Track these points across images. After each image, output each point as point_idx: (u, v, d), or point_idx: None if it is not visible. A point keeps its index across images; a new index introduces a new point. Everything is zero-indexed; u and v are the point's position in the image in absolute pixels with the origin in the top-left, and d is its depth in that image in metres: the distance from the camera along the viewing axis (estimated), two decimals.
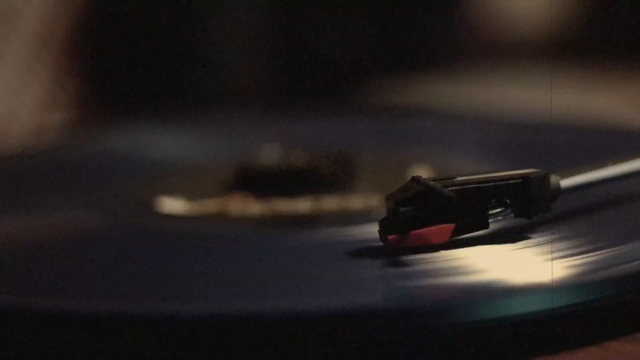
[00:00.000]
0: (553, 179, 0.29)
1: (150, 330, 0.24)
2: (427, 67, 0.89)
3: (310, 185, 0.37)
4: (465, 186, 0.28)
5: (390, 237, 0.27)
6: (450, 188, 0.28)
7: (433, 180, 0.28)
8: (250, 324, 0.24)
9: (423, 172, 0.38)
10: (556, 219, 0.30)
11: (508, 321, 0.25)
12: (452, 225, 0.27)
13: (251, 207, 0.36)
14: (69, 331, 0.25)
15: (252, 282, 0.27)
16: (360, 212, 0.34)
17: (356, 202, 0.36)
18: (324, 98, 0.86)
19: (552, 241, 0.28)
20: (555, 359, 0.25)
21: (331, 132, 0.49)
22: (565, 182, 0.29)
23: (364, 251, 0.28)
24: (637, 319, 0.27)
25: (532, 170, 0.29)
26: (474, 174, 0.28)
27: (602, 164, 0.30)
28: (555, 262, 0.27)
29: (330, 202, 0.36)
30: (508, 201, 0.28)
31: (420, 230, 0.27)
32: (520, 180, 0.28)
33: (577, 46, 0.88)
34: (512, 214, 0.28)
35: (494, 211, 0.28)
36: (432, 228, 0.27)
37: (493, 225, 0.28)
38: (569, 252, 0.27)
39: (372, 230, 0.28)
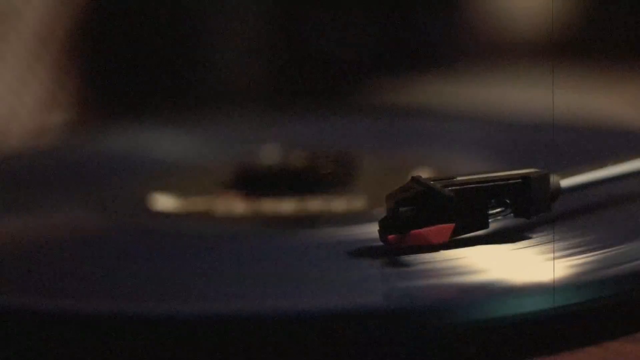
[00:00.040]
0: (553, 179, 0.29)
1: (150, 330, 0.24)
2: (427, 67, 0.89)
3: (310, 185, 0.37)
4: (465, 186, 0.28)
5: (390, 237, 0.27)
6: (450, 188, 0.28)
7: (433, 180, 0.28)
8: (250, 324, 0.24)
9: (423, 172, 0.38)
10: (556, 219, 0.30)
11: (508, 321, 0.25)
12: (452, 225, 0.27)
13: (251, 207, 0.36)
14: (69, 331, 0.25)
15: (252, 282, 0.27)
16: (360, 212, 0.34)
17: (356, 202, 0.36)
18: (324, 98, 0.86)
19: (553, 241, 0.28)
20: (555, 359, 0.25)
21: (331, 132, 0.49)
22: (565, 182, 0.29)
23: (364, 251, 0.28)
24: (637, 319, 0.27)
25: (532, 170, 0.29)
26: (474, 174, 0.28)
27: (602, 164, 0.30)
28: (555, 262, 0.27)
29: (330, 202, 0.36)
30: (508, 201, 0.28)
31: (420, 230, 0.27)
32: (520, 180, 0.28)
33: (576, 46, 0.88)
34: (512, 214, 0.28)
35: (494, 211, 0.28)
36: (432, 228, 0.27)
37: (493, 225, 0.28)
38: (569, 252, 0.27)
39: (372, 230, 0.28)
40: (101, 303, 0.26)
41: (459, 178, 0.28)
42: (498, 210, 0.28)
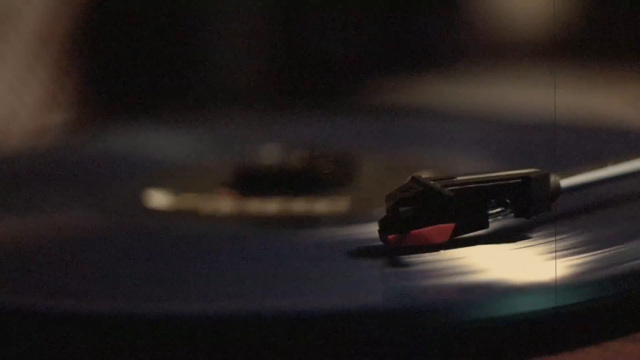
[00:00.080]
0: (553, 178, 0.29)
1: (150, 330, 0.24)
2: (427, 67, 0.89)
3: (310, 185, 0.37)
4: (465, 186, 0.28)
5: (390, 236, 0.27)
6: (450, 188, 0.28)
7: (433, 180, 0.28)
8: (250, 324, 0.24)
9: (423, 172, 0.38)
10: (556, 219, 0.30)
11: (508, 321, 0.25)
12: (452, 225, 0.27)
13: (251, 207, 0.36)
14: (69, 331, 0.25)
15: (252, 282, 0.27)
16: (360, 212, 0.34)
17: (356, 202, 0.36)
18: (324, 98, 0.86)
19: (555, 240, 0.28)
20: (555, 359, 0.25)
21: (331, 132, 0.49)
22: (565, 182, 0.29)
23: (364, 251, 0.28)
24: (637, 319, 0.27)
25: (532, 170, 0.29)
26: (474, 174, 0.28)
27: (602, 164, 0.30)
28: (555, 261, 0.27)
29: (330, 202, 0.36)
30: (508, 201, 0.28)
31: (420, 230, 0.27)
32: (520, 180, 0.28)
33: (577, 46, 0.88)
34: (512, 214, 0.28)
35: (494, 211, 0.28)
36: (432, 228, 0.27)
37: (493, 225, 0.28)
38: (568, 251, 0.27)
39: (372, 230, 0.28)
40: (101, 303, 0.26)
41: (459, 178, 0.28)
42: (498, 210, 0.28)
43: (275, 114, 0.61)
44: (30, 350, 0.25)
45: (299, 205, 0.35)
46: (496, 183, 0.28)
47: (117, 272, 0.29)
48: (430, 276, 0.26)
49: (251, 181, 0.38)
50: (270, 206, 0.35)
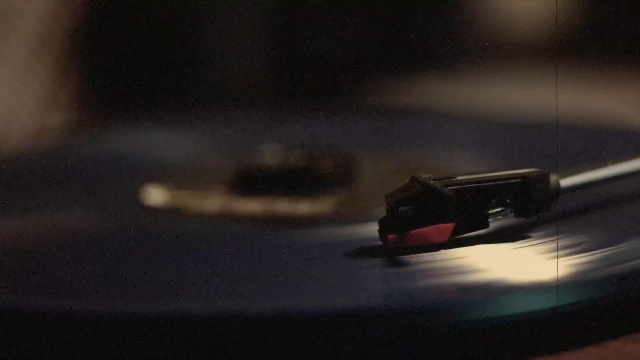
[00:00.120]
0: (553, 178, 0.29)
1: (150, 330, 0.24)
2: (427, 68, 0.89)
3: (310, 185, 0.37)
4: (465, 185, 0.28)
5: (390, 236, 0.27)
6: (450, 187, 0.28)
7: (433, 180, 0.28)
8: (250, 324, 0.24)
9: (423, 172, 0.38)
10: (558, 218, 0.30)
11: (508, 321, 0.25)
12: (452, 225, 0.27)
13: (251, 207, 0.36)
14: (69, 331, 0.25)
15: (252, 282, 0.27)
16: (360, 212, 0.34)
17: (356, 202, 0.36)
18: (324, 98, 0.86)
19: (557, 240, 0.28)
20: (555, 358, 0.25)
21: (331, 132, 0.49)
22: (565, 182, 0.29)
23: (364, 251, 0.28)
24: (637, 319, 0.27)
25: (532, 169, 0.29)
26: (474, 174, 0.28)
27: (602, 164, 0.30)
28: (555, 261, 0.27)
29: (330, 202, 0.36)
30: (508, 201, 0.28)
31: (420, 230, 0.27)
32: (520, 180, 0.28)
33: (577, 46, 0.88)
34: (512, 214, 0.28)
35: (494, 210, 0.28)
36: (432, 227, 0.27)
37: (493, 225, 0.28)
38: (568, 251, 0.27)
39: (372, 229, 0.28)
40: (101, 303, 0.26)
41: (459, 178, 0.28)
42: (498, 209, 0.28)
43: (275, 114, 0.61)
44: (30, 350, 0.25)
45: (299, 205, 0.35)
46: (496, 183, 0.28)
47: (117, 272, 0.29)
48: (430, 276, 0.26)
49: (251, 181, 0.38)
50: (270, 206, 0.35)
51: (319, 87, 0.88)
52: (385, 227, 0.27)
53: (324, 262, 0.28)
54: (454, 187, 0.28)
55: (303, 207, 0.35)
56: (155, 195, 0.37)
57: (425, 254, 0.27)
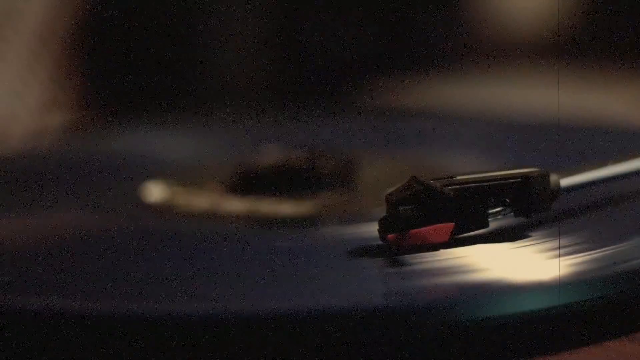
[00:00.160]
0: (553, 178, 0.29)
1: (150, 330, 0.24)
2: (428, 67, 0.89)
3: (310, 185, 0.37)
4: (465, 185, 0.28)
5: (390, 236, 0.27)
6: (450, 187, 0.28)
7: (433, 180, 0.28)
8: (250, 324, 0.24)
9: (423, 172, 0.38)
10: (557, 218, 0.30)
11: (507, 320, 0.25)
12: (451, 224, 0.27)
13: (251, 206, 0.36)
14: (69, 331, 0.25)
15: (251, 282, 0.27)
16: (360, 212, 0.34)
17: (356, 201, 0.36)
18: (324, 98, 0.86)
19: (559, 240, 0.28)
20: (555, 358, 0.25)
21: (331, 132, 0.49)
22: (565, 182, 0.29)
23: (364, 251, 0.28)
24: (637, 319, 0.27)
25: (532, 169, 0.29)
26: (474, 173, 0.28)
27: (602, 163, 0.30)
28: (555, 260, 0.27)
29: (330, 202, 0.36)
30: (508, 200, 0.28)
31: (420, 229, 0.27)
32: (520, 180, 0.28)
33: (577, 46, 0.88)
34: (512, 213, 0.28)
35: (494, 210, 0.28)
36: (432, 227, 0.27)
37: (493, 224, 0.28)
38: (568, 250, 0.27)
39: (372, 229, 0.28)
40: (101, 303, 0.26)
41: (459, 177, 0.28)
42: (498, 209, 0.28)
43: (275, 114, 0.61)
44: (30, 350, 0.25)
45: (299, 205, 0.35)
46: (496, 182, 0.28)
47: (117, 272, 0.29)
48: (430, 275, 0.26)
49: (251, 181, 0.38)
50: (270, 206, 0.35)
51: (319, 87, 0.88)
52: (385, 227, 0.27)
53: (324, 262, 0.28)
54: (453, 187, 0.28)
55: (303, 207, 0.35)
56: (155, 195, 0.37)
57: (425, 253, 0.27)
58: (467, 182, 0.28)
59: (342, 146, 0.42)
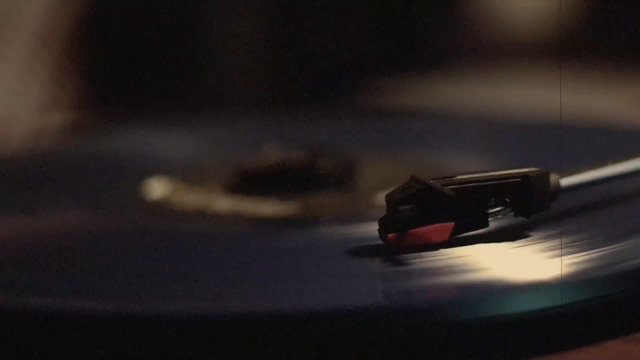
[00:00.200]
0: (553, 177, 0.29)
1: (150, 330, 0.24)
2: (428, 67, 0.89)
3: (310, 185, 0.37)
4: (464, 185, 0.28)
5: (390, 235, 0.27)
6: (449, 187, 0.28)
7: (432, 179, 0.28)
8: (250, 324, 0.24)
9: (423, 171, 0.38)
10: (558, 217, 0.30)
11: (507, 320, 0.25)
12: (451, 224, 0.27)
13: (251, 206, 0.36)
14: (69, 331, 0.25)
15: (251, 282, 0.27)
16: (360, 212, 0.34)
17: (356, 201, 0.36)
18: (324, 98, 0.86)
19: (561, 239, 0.28)
20: (555, 358, 0.25)
21: (331, 132, 0.49)
22: (565, 181, 0.29)
23: (364, 250, 0.28)
24: (637, 319, 0.27)
25: (532, 169, 0.29)
26: (474, 173, 0.28)
27: (602, 163, 0.30)
28: (555, 260, 0.27)
29: (329, 202, 0.36)
30: (508, 200, 0.28)
31: (420, 229, 0.27)
32: (519, 179, 0.28)
33: (577, 46, 0.88)
34: (512, 213, 0.28)
35: (494, 210, 0.28)
36: (432, 227, 0.27)
37: (493, 224, 0.28)
38: (568, 250, 0.27)
39: (372, 229, 0.28)
40: (101, 303, 0.26)
41: (459, 177, 0.28)
42: (498, 209, 0.28)
43: (275, 114, 0.61)
44: (30, 350, 0.25)
45: (299, 205, 0.35)
46: (496, 182, 0.28)
47: (117, 272, 0.29)
48: (430, 275, 0.26)
49: (251, 181, 0.38)
50: (270, 206, 0.35)
51: (319, 87, 0.88)
52: (385, 226, 0.27)
53: (324, 262, 0.28)
54: (453, 187, 0.28)
55: (303, 207, 0.35)
56: (155, 195, 0.37)
57: (425, 253, 0.27)
58: (467, 181, 0.28)
59: (342, 146, 0.42)
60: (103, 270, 0.29)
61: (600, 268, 0.26)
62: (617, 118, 0.57)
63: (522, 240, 0.28)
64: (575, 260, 0.27)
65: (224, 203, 0.36)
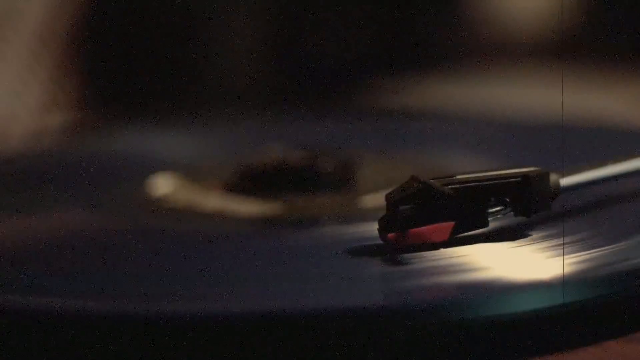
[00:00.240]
0: (553, 177, 0.29)
1: (150, 330, 0.24)
2: (428, 67, 0.89)
3: (311, 185, 0.37)
4: (464, 184, 0.28)
5: (390, 235, 0.27)
6: (449, 186, 0.28)
7: (432, 179, 0.28)
8: (250, 324, 0.24)
9: (423, 171, 0.38)
10: (559, 217, 0.30)
11: (507, 320, 0.25)
12: (451, 224, 0.27)
13: (251, 206, 0.36)
14: (69, 331, 0.25)
15: (252, 282, 0.27)
16: (360, 212, 0.34)
17: (356, 201, 0.36)
18: (324, 98, 0.86)
19: (563, 239, 0.28)
20: (555, 358, 0.25)
21: (331, 132, 0.49)
22: (565, 181, 0.29)
23: (364, 250, 0.28)
24: (637, 319, 0.27)
25: (532, 168, 0.29)
26: (474, 173, 0.28)
27: (603, 163, 0.30)
28: (555, 260, 0.27)
29: (330, 202, 0.36)
30: (508, 200, 0.28)
31: (420, 229, 0.27)
32: (519, 179, 0.28)
33: (578, 46, 0.88)
34: (512, 213, 0.28)
35: (494, 209, 0.28)
36: (432, 226, 0.27)
37: (493, 224, 0.28)
38: (568, 250, 0.27)
39: (372, 228, 0.28)
40: (101, 303, 0.26)
41: (459, 177, 0.28)
42: (498, 208, 0.28)
43: (275, 114, 0.61)
44: (31, 350, 0.25)
45: (299, 205, 0.35)
46: (496, 182, 0.28)
47: (117, 272, 0.29)
48: (430, 275, 0.26)
49: (251, 181, 0.38)
50: (271, 206, 0.35)
51: (319, 87, 0.88)
52: (385, 226, 0.27)
53: (324, 262, 0.28)
54: (453, 186, 0.28)
55: (303, 207, 0.35)
56: (155, 195, 0.37)
57: (425, 253, 0.27)
58: (467, 181, 0.28)
59: (342, 146, 0.42)
60: (103, 270, 0.29)
61: (600, 268, 0.26)
62: (617, 118, 0.57)
63: (522, 240, 0.28)
64: (575, 260, 0.27)
65: (223, 203, 0.36)
